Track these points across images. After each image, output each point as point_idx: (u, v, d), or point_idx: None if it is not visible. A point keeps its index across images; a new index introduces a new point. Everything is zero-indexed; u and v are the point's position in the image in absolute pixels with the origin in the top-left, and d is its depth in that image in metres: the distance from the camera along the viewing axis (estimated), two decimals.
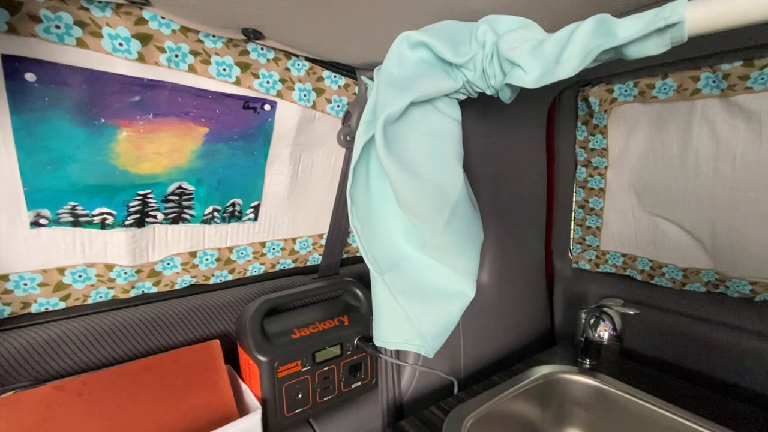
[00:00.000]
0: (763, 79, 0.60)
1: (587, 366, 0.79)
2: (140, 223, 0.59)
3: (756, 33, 0.52)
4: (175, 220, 0.63)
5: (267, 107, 0.63)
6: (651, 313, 0.82)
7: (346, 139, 0.69)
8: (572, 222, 0.97)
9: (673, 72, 0.70)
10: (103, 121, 0.51)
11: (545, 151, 0.95)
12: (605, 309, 0.76)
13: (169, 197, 0.61)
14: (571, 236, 0.98)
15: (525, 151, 0.90)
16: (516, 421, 0.74)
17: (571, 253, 0.98)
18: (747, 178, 0.65)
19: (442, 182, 0.46)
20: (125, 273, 0.60)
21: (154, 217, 0.61)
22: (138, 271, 0.62)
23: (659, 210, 0.80)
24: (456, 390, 0.72)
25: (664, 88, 0.72)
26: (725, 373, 0.73)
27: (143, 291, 0.64)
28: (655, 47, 0.31)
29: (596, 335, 0.76)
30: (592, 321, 0.77)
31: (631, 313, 0.74)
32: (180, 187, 0.61)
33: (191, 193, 0.62)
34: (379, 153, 0.41)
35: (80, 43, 0.47)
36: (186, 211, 0.63)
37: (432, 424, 0.64)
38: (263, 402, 0.59)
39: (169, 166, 0.59)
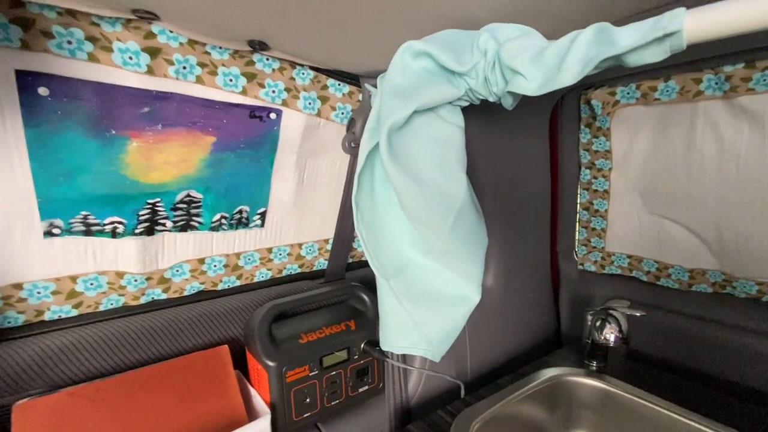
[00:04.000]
0: (765, 80, 0.60)
1: (594, 368, 0.79)
2: (150, 232, 0.60)
3: (757, 36, 0.53)
4: (184, 228, 0.64)
5: (273, 116, 0.64)
6: (657, 315, 0.82)
7: (351, 146, 0.70)
8: (577, 224, 0.97)
9: (675, 74, 0.70)
10: (113, 132, 0.52)
11: (548, 154, 0.95)
12: (611, 311, 0.76)
13: (177, 205, 0.62)
14: (576, 238, 0.98)
15: (528, 155, 0.91)
16: (523, 424, 0.74)
17: (576, 255, 0.98)
18: (751, 178, 0.65)
19: (445, 189, 0.47)
20: (135, 280, 0.61)
21: (164, 225, 0.62)
22: (148, 279, 0.63)
23: (664, 211, 0.80)
24: (463, 393, 0.73)
25: (667, 90, 0.72)
26: (733, 374, 0.72)
27: (153, 298, 0.65)
28: (655, 55, 0.31)
29: (602, 337, 0.76)
30: (598, 323, 0.77)
31: (638, 315, 0.74)
32: (188, 196, 0.62)
33: (199, 201, 0.63)
34: (384, 160, 0.42)
35: (91, 58, 0.48)
36: (194, 218, 0.64)
37: (439, 428, 0.64)
38: (272, 407, 0.60)
39: (177, 175, 0.60)
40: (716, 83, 0.65)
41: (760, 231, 0.67)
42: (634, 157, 0.81)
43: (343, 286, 0.76)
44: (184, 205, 0.62)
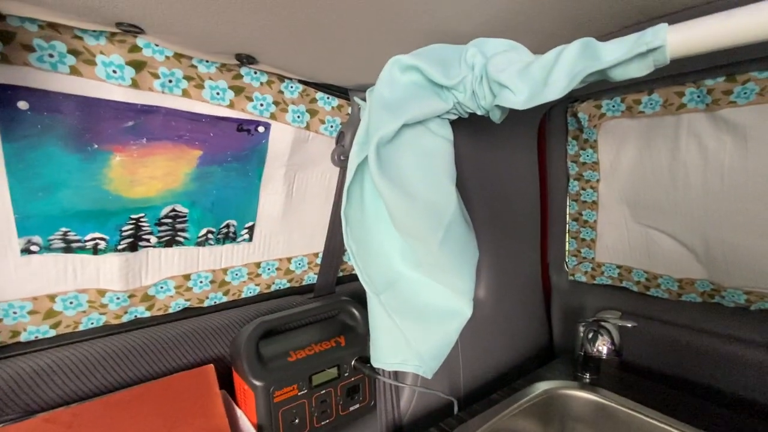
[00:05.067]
0: (746, 93, 0.61)
1: (587, 380, 0.78)
2: (133, 247, 0.59)
3: (737, 51, 0.54)
4: (169, 243, 0.62)
5: (261, 129, 0.63)
6: (648, 325, 0.82)
7: (340, 159, 0.69)
8: (567, 235, 0.97)
9: (658, 88, 0.72)
10: (96, 146, 0.51)
11: (537, 166, 0.96)
12: (602, 323, 0.76)
13: (162, 220, 0.60)
14: (567, 249, 0.98)
15: (517, 166, 0.91)
16: None
17: (566, 266, 0.98)
18: (736, 189, 0.66)
19: (435, 202, 0.47)
20: (118, 298, 0.59)
21: (148, 240, 0.60)
22: (131, 296, 0.61)
23: (652, 221, 0.81)
24: (456, 410, 0.71)
25: (651, 103, 0.73)
26: (724, 383, 0.72)
27: (136, 316, 0.63)
28: (639, 70, 0.32)
29: (595, 349, 0.76)
30: (590, 335, 0.77)
31: (629, 326, 0.74)
32: (173, 210, 0.61)
33: (185, 216, 0.62)
34: (373, 174, 0.41)
35: (74, 71, 0.47)
36: (180, 233, 0.63)
37: None
38: (259, 428, 0.58)
39: (162, 190, 0.58)
40: (698, 96, 0.67)
41: (745, 241, 0.68)
42: (621, 169, 0.82)
43: (333, 301, 0.75)
44: (170, 220, 0.61)
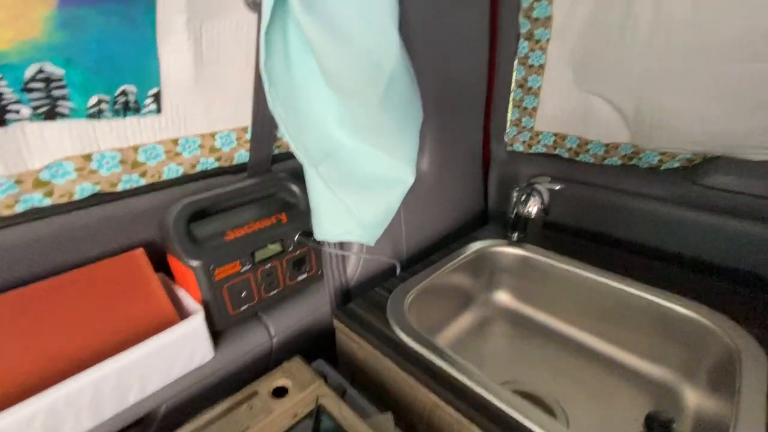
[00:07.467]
0: None
1: (515, 239, 0.87)
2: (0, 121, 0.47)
3: None
4: (50, 115, 0.50)
5: None
6: (574, 188, 0.89)
7: (255, 2, 0.56)
8: (510, 103, 0.96)
9: None
10: None
11: (488, 25, 0.87)
12: (535, 186, 0.80)
13: (30, 85, 0.47)
14: (508, 119, 0.97)
15: (468, 24, 0.82)
16: (452, 291, 0.82)
17: (506, 137, 0.99)
18: (679, 45, 0.66)
19: (374, 48, 0.39)
20: (0, 185, 0.49)
21: (17, 112, 0.48)
22: (18, 182, 0.51)
23: (592, 86, 0.81)
24: (398, 271, 0.76)
25: None
26: (636, 235, 0.84)
27: (33, 205, 0.54)
28: None
29: (526, 210, 0.82)
30: (523, 198, 0.82)
31: (556, 188, 0.79)
32: (42, 71, 0.47)
33: (61, 79, 0.49)
34: (295, 9, 0.33)
35: None
36: (61, 102, 0.50)
37: (377, 303, 0.68)
38: (204, 304, 0.58)
39: (16, 41, 0.44)
40: None
41: (674, 102, 0.70)
42: (573, 24, 0.77)
43: (269, 178, 0.70)
44: (41, 84, 0.48)
